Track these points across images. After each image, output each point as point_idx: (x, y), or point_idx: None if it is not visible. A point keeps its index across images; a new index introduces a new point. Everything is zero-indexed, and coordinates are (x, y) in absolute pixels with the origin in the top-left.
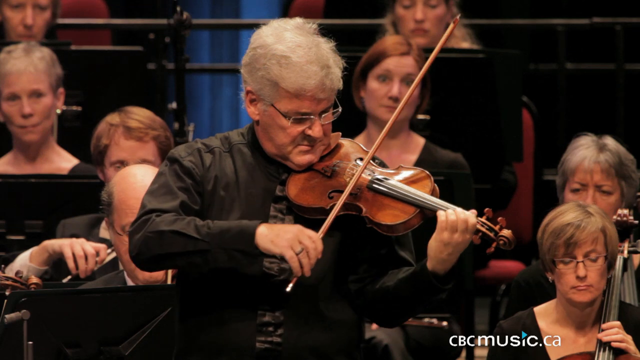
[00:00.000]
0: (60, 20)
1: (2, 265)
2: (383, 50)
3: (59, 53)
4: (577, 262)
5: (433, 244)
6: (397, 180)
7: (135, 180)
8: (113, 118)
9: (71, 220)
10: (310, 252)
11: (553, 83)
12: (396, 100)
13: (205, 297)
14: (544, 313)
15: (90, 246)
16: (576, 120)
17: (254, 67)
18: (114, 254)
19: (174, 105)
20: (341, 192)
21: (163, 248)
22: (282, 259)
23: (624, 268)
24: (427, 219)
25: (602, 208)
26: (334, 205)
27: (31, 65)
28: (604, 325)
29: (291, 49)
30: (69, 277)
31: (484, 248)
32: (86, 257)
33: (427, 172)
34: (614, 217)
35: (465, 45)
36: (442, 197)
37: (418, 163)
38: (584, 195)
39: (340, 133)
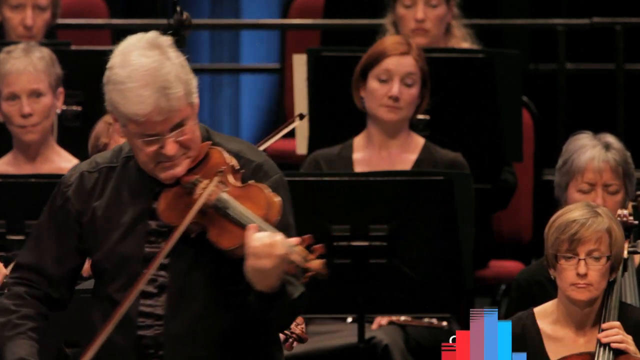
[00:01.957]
0: (60, 20)
1: (2, 265)
2: (383, 50)
3: (59, 53)
4: (579, 260)
5: (246, 268)
6: (240, 198)
7: None
8: (109, 117)
9: None
10: None
11: (553, 83)
12: (396, 100)
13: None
14: (544, 313)
15: None
16: (576, 120)
17: (105, 89)
18: None
19: None
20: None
21: None
22: None
23: (624, 268)
24: None
25: (610, 207)
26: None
27: (30, 65)
28: (603, 326)
29: (127, 74)
30: None
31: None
32: None
33: (263, 189)
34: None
35: (465, 45)
36: (442, 197)
37: (418, 163)
38: (592, 195)
39: (210, 142)
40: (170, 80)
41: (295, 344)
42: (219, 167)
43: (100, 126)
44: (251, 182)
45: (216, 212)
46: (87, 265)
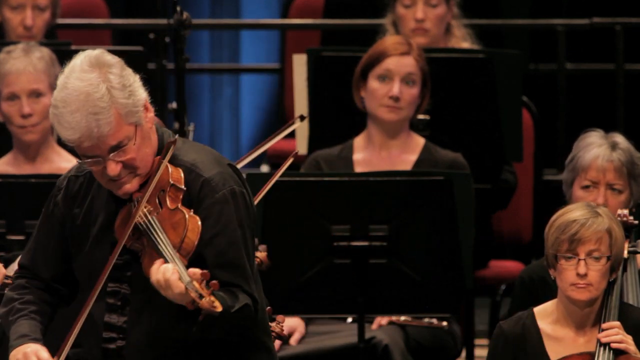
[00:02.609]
0: (60, 20)
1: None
2: (383, 50)
3: (59, 53)
4: (579, 260)
5: None
6: (164, 224)
7: None
8: None
9: None
10: None
11: (553, 83)
12: (396, 99)
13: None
14: (544, 313)
15: None
16: (576, 120)
17: None
18: None
19: (174, 105)
20: (137, 228)
21: None
22: None
23: (624, 268)
24: None
25: (613, 206)
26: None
27: (30, 65)
28: (604, 325)
29: (61, 98)
30: None
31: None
32: None
33: (189, 217)
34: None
35: (466, 45)
36: (442, 197)
37: (418, 163)
38: (594, 192)
39: (159, 157)
40: (102, 105)
41: (277, 342)
42: (164, 186)
43: None
44: (179, 206)
45: (145, 236)
46: None
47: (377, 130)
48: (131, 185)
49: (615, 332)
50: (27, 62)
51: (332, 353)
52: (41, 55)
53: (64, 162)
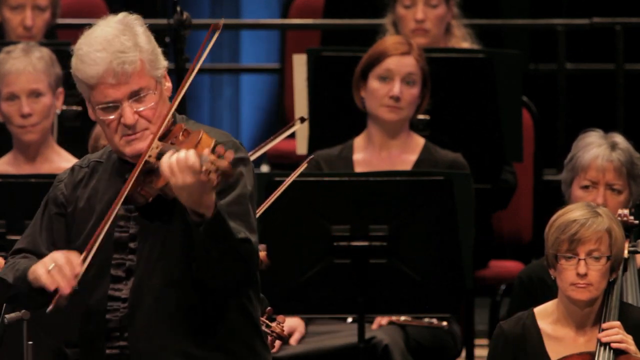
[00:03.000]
0: (60, 20)
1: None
2: (384, 50)
3: (59, 53)
4: (579, 260)
5: (172, 189)
6: (180, 145)
7: None
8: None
9: None
10: (63, 267)
11: (553, 83)
12: (397, 99)
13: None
14: (544, 313)
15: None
16: (576, 120)
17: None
18: None
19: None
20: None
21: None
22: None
23: (625, 268)
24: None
25: (612, 206)
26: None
27: (30, 65)
28: (604, 325)
29: (87, 41)
30: None
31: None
32: None
33: (202, 133)
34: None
35: (466, 45)
36: (442, 197)
37: (418, 163)
38: (594, 192)
39: (173, 119)
40: (127, 45)
41: (277, 343)
42: (176, 136)
43: (99, 128)
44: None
45: (158, 161)
46: None
47: (377, 130)
48: (144, 143)
49: (615, 332)
50: (27, 62)
51: (332, 353)
52: (41, 55)
53: (64, 162)
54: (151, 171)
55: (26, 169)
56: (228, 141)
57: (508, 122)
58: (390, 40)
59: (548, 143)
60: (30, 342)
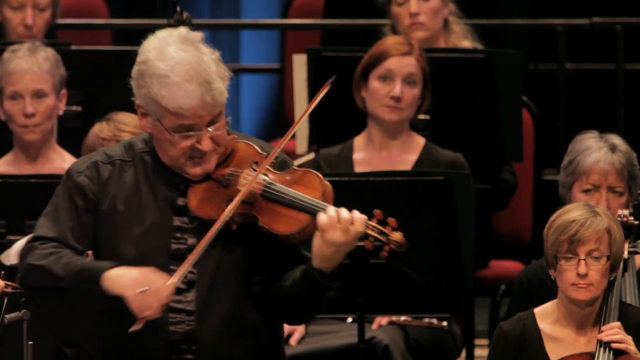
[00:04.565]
0: (60, 20)
1: (2, 272)
2: (385, 50)
3: (59, 53)
4: (579, 260)
5: (316, 241)
6: (289, 184)
7: None
8: (102, 130)
9: None
10: (154, 295)
11: (553, 83)
12: (398, 100)
13: (119, 313)
14: (544, 314)
15: None
16: (576, 120)
17: (139, 84)
18: None
19: None
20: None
21: (35, 282)
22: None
23: (624, 268)
24: None
25: (614, 208)
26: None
27: (35, 65)
28: (604, 327)
29: (170, 67)
30: None
31: (482, 248)
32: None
33: (317, 174)
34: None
35: (466, 43)
36: (442, 197)
37: (418, 163)
38: (596, 196)
39: (236, 136)
40: (212, 74)
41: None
42: (252, 159)
43: (92, 139)
44: (297, 168)
45: (266, 199)
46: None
47: (378, 130)
48: (209, 164)
49: (615, 332)
50: (32, 61)
51: (332, 353)
52: (46, 55)
53: (64, 163)
54: (250, 203)
55: (27, 169)
56: (279, 158)
57: (508, 122)
58: (391, 41)
59: (548, 143)
60: (30, 342)
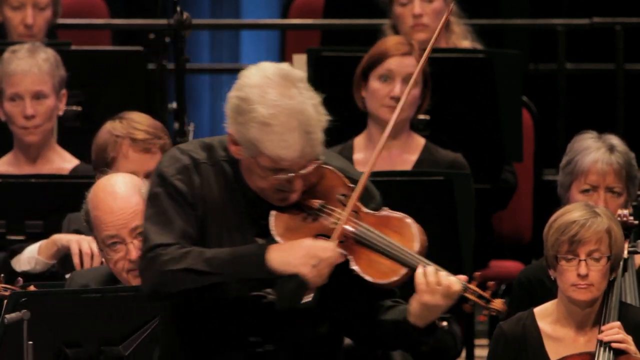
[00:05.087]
0: (60, 20)
1: (2, 275)
2: (385, 50)
3: (59, 53)
4: (580, 260)
5: (413, 301)
6: (381, 228)
7: (105, 195)
8: (115, 128)
9: (76, 215)
10: (326, 262)
11: (553, 83)
12: (398, 100)
13: (193, 325)
14: (544, 313)
15: (96, 245)
16: (576, 120)
17: (236, 119)
18: None
19: (174, 105)
20: (326, 236)
21: (177, 286)
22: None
23: (624, 268)
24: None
25: (612, 209)
26: None
27: (35, 66)
28: (604, 327)
29: (272, 115)
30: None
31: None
32: (92, 256)
33: (411, 221)
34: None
35: (466, 43)
36: (442, 197)
37: (418, 163)
38: (594, 196)
39: (321, 162)
40: (313, 124)
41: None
42: (340, 190)
43: (104, 137)
44: (385, 210)
45: (358, 243)
46: (76, 260)
47: (378, 130)
48: (297, 194)
49: (615, 332)
50: (32, 63)
51: None
52: (47, 56)
53: (64, 163)
54: (341, 242)
55: (27, 170)
56: (370, 185)
57: (508, 122)
58: (391, 41)
59: (548, 143)
60: (30, 342)
